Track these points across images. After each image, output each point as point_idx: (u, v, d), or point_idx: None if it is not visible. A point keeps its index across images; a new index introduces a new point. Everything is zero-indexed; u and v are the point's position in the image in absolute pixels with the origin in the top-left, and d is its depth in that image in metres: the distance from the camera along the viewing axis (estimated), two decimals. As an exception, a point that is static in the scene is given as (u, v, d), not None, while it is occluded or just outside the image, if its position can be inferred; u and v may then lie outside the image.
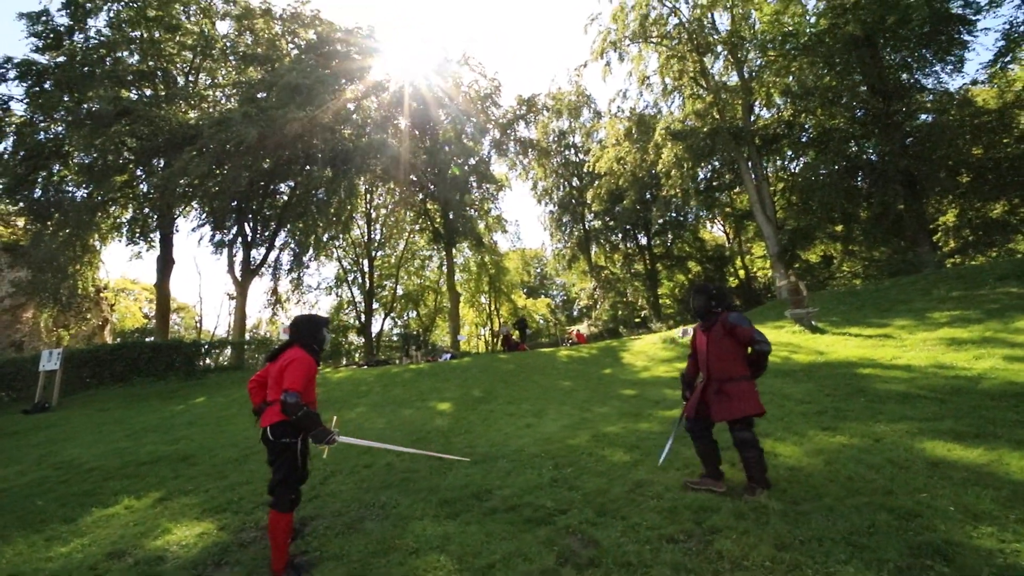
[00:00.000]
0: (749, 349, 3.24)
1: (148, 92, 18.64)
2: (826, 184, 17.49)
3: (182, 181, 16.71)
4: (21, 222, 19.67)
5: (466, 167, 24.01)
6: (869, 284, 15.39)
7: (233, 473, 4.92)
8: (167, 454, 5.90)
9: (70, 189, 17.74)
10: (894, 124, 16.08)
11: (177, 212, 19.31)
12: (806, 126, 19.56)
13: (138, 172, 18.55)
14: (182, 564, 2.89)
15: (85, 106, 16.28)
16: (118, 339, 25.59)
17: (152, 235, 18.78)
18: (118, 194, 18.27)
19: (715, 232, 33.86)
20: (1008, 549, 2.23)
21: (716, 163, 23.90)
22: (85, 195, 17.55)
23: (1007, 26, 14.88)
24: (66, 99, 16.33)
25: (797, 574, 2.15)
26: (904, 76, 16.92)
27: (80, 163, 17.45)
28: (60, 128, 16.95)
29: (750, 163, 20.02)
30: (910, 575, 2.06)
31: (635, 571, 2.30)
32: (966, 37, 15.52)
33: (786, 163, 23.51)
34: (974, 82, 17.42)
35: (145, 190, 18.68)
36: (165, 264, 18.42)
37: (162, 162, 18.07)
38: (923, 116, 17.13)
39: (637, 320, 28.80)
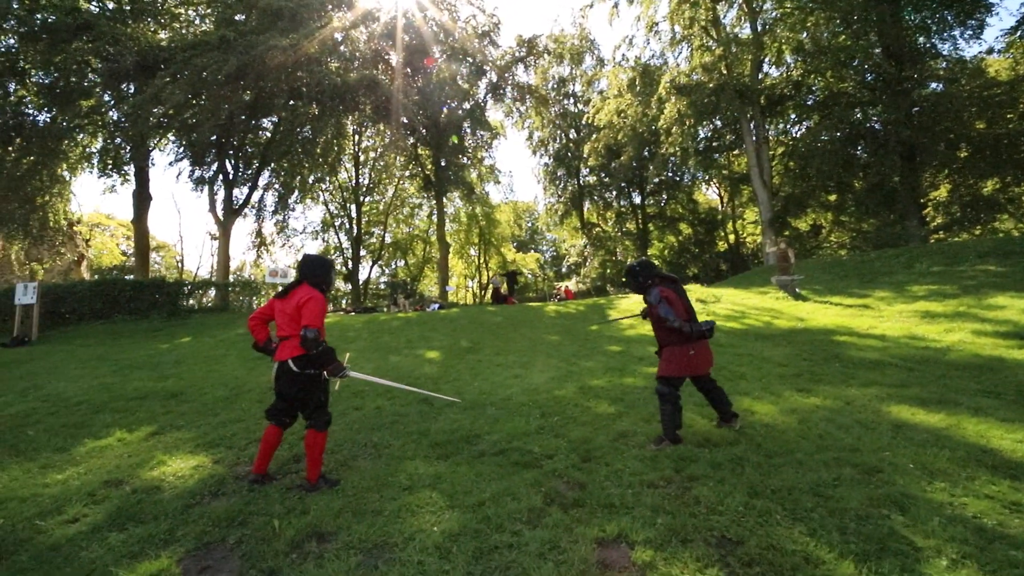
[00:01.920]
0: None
1: (111, 5, 16.89)
2: (826, 151, 17.28)
3: (156, 110, 15.60)
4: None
5: (460, 111, 22.90)
6: (855, 255, 15.67)
7: (224, 411, 4.99)
8: (156, 390, 5.94)
9: (31, 112, 16.43)
10: (903, 91, 15.68)
11: (152, 144, 18.20)
12: (814, 88, 18.97)
13: (106, 97, 17.21)
14: (179, 493, 2.98)
15: (39, 16, 14.72)
16: (95, 276, 24.92)
17: (126, 168, 17.75)
18: (85, 120, 17.04)
19: (709, 195, 33.63)
20: (957, 502, 2.43)
21: (718, 122, 23.28)
22: (48, 119, 16.34)
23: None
24: (15, 5, 14.69)
25: (767, 519, 2.31)
26: (921, 40, 16.30)
27: (39, 83, 16.08)
28: (12, 41, 15.38)
29: (753, 124, 19.53)
30: (868, 524, 2.23)
31: (617, 512, 2.45)
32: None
33: (788, 127, 23.01)
34: (990, 51, 16.92)
35: (115, 118, 17.43)
36: (142, 199, 17.61)
37: (132, 87, 16.76)
38: (933, 85, 16.72)
39: (624, 280, 29.11)
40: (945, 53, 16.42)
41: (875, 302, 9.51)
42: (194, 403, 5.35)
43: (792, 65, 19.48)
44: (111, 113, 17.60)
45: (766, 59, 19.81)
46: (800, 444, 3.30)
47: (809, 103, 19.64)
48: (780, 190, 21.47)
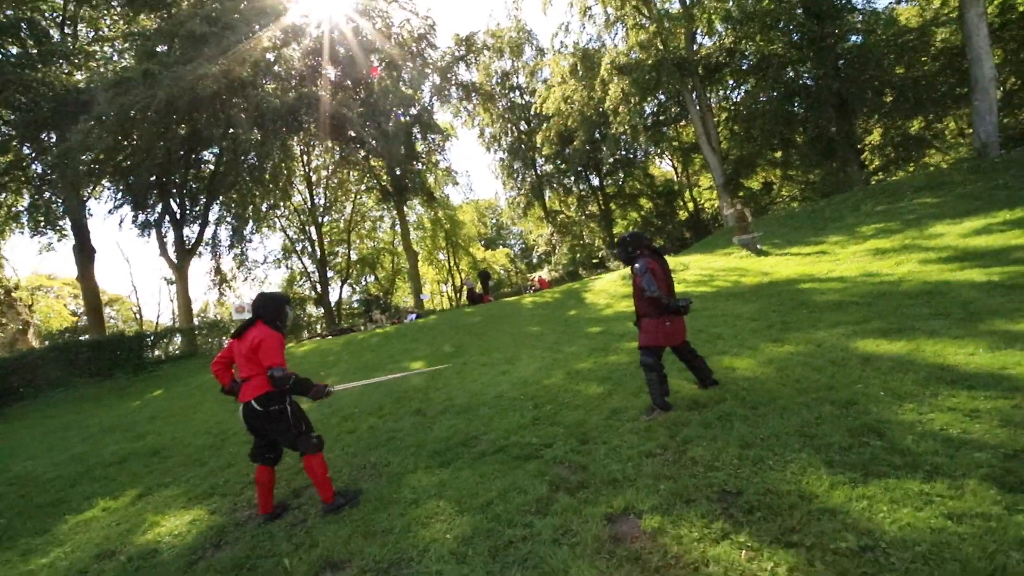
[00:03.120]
0: None
1: (15, 50, 15.72)
2: (766, 111, 18.01)
3: (84, 157, 14.70)
4: None
5: (407, 117, 22.58)
6: (806, 206, 16.44)
7: (212, 459, 4.81)
8: (134, 451, 5.65)
9: (-61, 175, 15.20)
10: (827, 47, 16.50)
11: (86, 194, 17.15)
12: (746, 53, 19.70)
13: (25, 150, 16.07)
14: (179, 552, 2.87)
15: (-67, 70, 13.60)
16: (46, 342, 23.34)
17: (60, 223, 16.67)
18: (6, 177, 15.87)
19: (664, 167, 34.48)
20: (925, 419, 2.63)
21: (662, 97, 23.85)
22: (-39, 182, 15.16)
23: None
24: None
25: (760, 466, 2.44)
26: (836, -2, 17.17)
27: (-55, 143, 14.87)
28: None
29: (695, 94, 20.11)
30: (851, 453, 2.39)
31: (621, 486, 2.52)
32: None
33: (728, 92, 23.84)
34: (899, 0, 18.01)
35: (40, 171, 16.31)
36: (84, 254, 16.57)
37: (53, 136, 15.71)
38: (853, 38, 17.66)
39: (595, 261, 29.55)
40: (860, 7, 17.39)
41: (830, 247, 10.03)
42: (178, 457, 5.13)
43: (723, 33, 20.14)
44: (34, 166, 16.46)
45: (698, 30, 20.41)
46: (781, 391, 3.48)
47: (744, 68, 20.40)
48: (729, 154, 22.25)
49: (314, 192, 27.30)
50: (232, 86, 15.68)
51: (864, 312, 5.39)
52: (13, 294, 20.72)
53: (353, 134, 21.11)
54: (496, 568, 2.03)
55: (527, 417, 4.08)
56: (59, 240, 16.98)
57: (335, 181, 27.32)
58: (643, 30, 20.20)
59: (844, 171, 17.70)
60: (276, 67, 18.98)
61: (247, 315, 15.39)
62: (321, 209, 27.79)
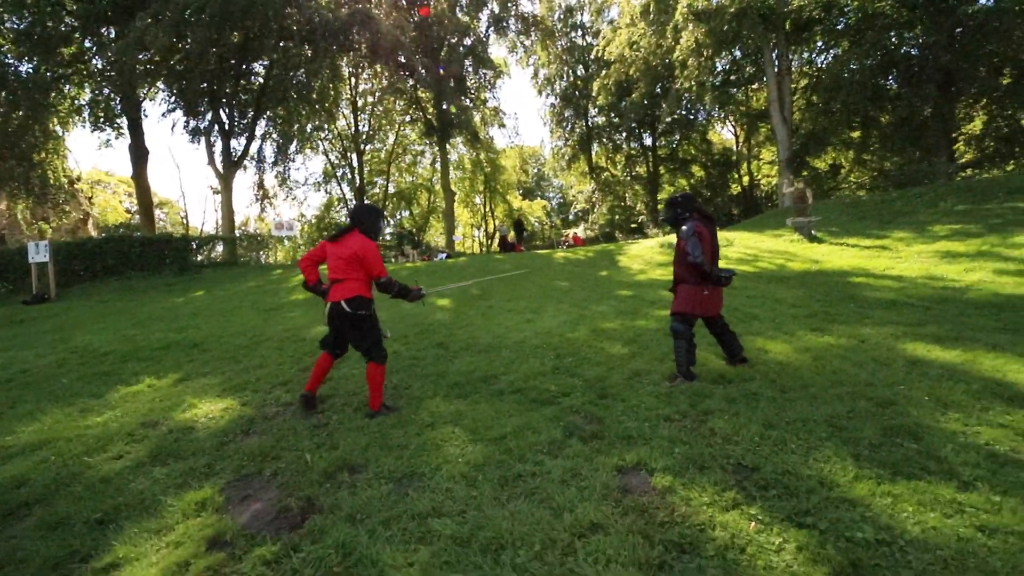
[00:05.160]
0: None
1: (77, -61, 15.52)
2: (854, 81, 16.10)
3: (140, 56, 14.80)
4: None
5: (461, 48, 21.47)
6: (875, 195, 15.09)
7: (246, 358, 5.14)
8: (177, 340, 6.11)
9: (11, 62, 15.68)
10: (947, 9, 14.24)
11: (142, 94, 17.46)
12: (846, 9, 17.32)
13: (87, 44, 16.31)
14: (212, 432, 3.13)
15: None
16: (103, 233, 25.02)
17: (119, 120, 17.19)
18: (69, 70, 16.27)
19: (724, 135, 32.05)
20: (970, 431, 2.47)
21: (737, 53, 21.62)
22: (31, 70, 15.62)
23: None
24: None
25: (781, 448, 2.38)
26: (971, -53, 14.59)
27: (15, 29, 15.20)
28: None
29: (775, 53, 18.11)
30: (881, 451, 2.28)
31: (635, 443, 2.53)
32: None
33: (814, 56, 21.33)
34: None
35: (100, 66, 16.61)
36: (138, 153, 17.17)
37: (112, 31, 15.81)
38: (981, 0, 15.16)
39: (634, 226, 28.60)
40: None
41: (893, 243, 9.27)
42: (215, 351, 5.51)
43: (823, -17, 17.69)
44: (95, 61, 16.76)
45: (794, -23, 17.97)
46: (814, 380, 3.33)
47: (839, 27, 18.04)
48: (800, 127, 20.33)
49: (359, 118, 26.96)
50: (286, -7, 15.15)
51: (919, 315, 5.02)
52: (75, 185, 21.97)
53: (403, 60, 20.33)
54: (504, 496, 2.10)
55: (548, 365, 4.11)
56: (117, 138, 17.62)
57: (380, 109, 26.77)
58: (731, -29, 17.96)
59: (929, 160, 15.94)
60: (332, -23, 18.09)
61: (286, 232, 15.87)
62: (364, 137, 27.54)
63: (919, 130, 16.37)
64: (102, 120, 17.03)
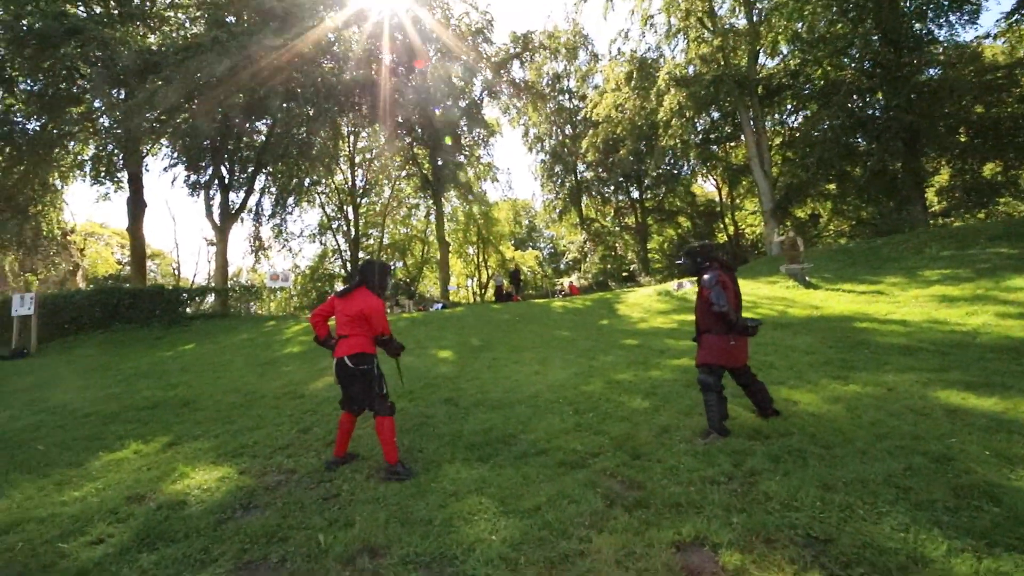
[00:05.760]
0: None
1: (98, 9, 16.55)
2: (826, 139, 17.19)
3: (148, 115, 15.30)
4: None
5: (455, 110, 22.68)
6: (862, 243, 15.60)
7: (241, 418, 4.80)
8: (166, 399, 5.73)
9: (19, 120, 16.07)
10: (903, 77, 15.61)
11: (145, 150, 17.87)
12: (812, 77, 18.89)
13: (96, 104, 16.87)
14: (208, 508, 2.80)
15: (25, 22, 14.38)
16: (91, 285, 24.53)
17: (119, 175, 17.41)
18: (76, 128, 16.70)
19: (707, 187, 33.57)
20: (1045, 491, 2.29)
21: (715, 114, 23.19)
22: (38, 127, 15.99)
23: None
24: (0, 12, 14.34)
25: (849, 514, 2.17)
26: (918, 26, 16.25)
27: (28, 90, 15.73)
28: (-1, 48, 15.04)
29: (751, 114, 19.43)
30: (962, 516, 2.09)
31: (686, 512, 2.30)
32: (987, -16, 14.77)
33: (784, 117, 22.94)
34: (986, 35, 16.91)
35: (107, 124, 17.09)
36: (136, 206, 17.26)
37: (122, 93, 16.44)
38: (931, 71, 16.68)
39: (625, 274, 29.01)
40: (942, 39, 16.39)
41: (888, 288, 9.42)
42: (207, 411, 5.15)
43: (789, 55, 19.40)
44: (102, 120, 17.25)
45: (762, 49, 19.72)
46: (856, 433, 3.16)
47: (807, 92, 19.57)
48: (779, 180, 21.41)
49: (356, 173, 27.79)
50: (292, 60, 16.05)
51: (939, 360, 4.94)
52: (68, 237, 21.82)
53: (401, 120, 21.35)
54: (553, 582, 1.84)
55: (568, 422, 3.87)
56: (115, 191, 17.74)
57: (377, 164, 27.73)
58: (705, 44, 19.66)
59: (905, 210, 16.71)
60: (335, 47, 19.36)
61: (280, 284, 15.69)
62: (360, 190, 28.25)
63: (891, 182, 17.31)
64: (103, 174, 17.23)
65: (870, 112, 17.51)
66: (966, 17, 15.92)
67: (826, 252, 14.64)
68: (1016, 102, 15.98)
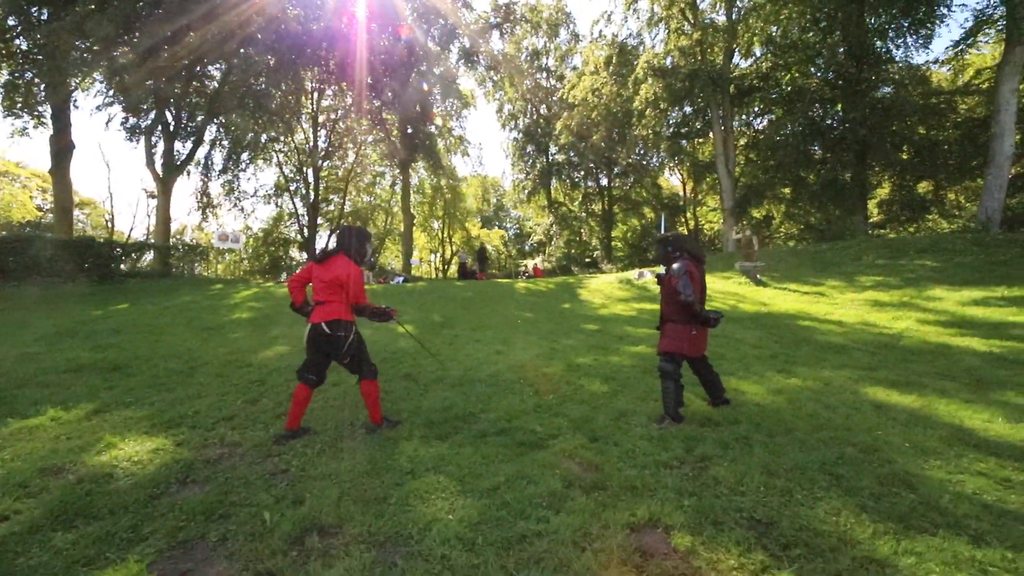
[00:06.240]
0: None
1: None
2: (787, 144, 17.99)
3: (78, 43, 13.51)
4: None
5: (431, 76, 21.72)
6: (808, 246, 16.61)
7: (180, 386, 4.47)
8: (93, 362, 5.24)
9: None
10: (861, 92, 16.49)
11: (73, 83, 15.83)
12: (781, 82, 19.58)
13: (10, 21, 14.67)
14: (138, 482, 2.58)
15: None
16: (3, 232, 21.90)
17: (40, 108, 15.38)
18: (-16, 45, 14.50)
19: (672, 181, 34.46)
20: (955, 479, 2.54)
21: (688, 109, 23.64)
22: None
23: (981, 4, 15.23)
24: None
25: (788, 499, 2.31)
26: (879, 43, 17.11)
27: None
28: None
29: (721, 112, 19.95)
30: (884, 502, 2.27)
31: (640, 494, 2.36)
32: (943, 10, 15.71)
33: (751, 119, 23.76)
34: (935, 60, 18.13)
35: (23, 47, 14.94)
36: (61, 147, 15.37)
37: (45, 12, 14.39)
38: (885, 88, 17.72)
39: (588, 260, 29.50)
40: (898, 59, 17.40)
41: (828, 290, 10.12)
42: (142, 377, 4.76)
43: (761, 57, 19.96)
44: (18, 41, 15.06)
45: (737, 49, 20.16)
46: (796, 423, 3.37)
47: (774, 96, 20.30)
48: (740, 180, 22.29)
49: (318, 133, 26.17)
50: (255, 2, 14.65)
51: (868, 359, 5.38)
52: (-25, 174, 19.23)
53: (372, 80, 20.18)
54: (510, 563, 1.83)
55: (528, 403, 3.89)
56: (35, 127, 15.67)
57: (343, 126, 26.21)
58: (685, 36, 19.83)
59: (849, 219, 17.92)
60: (304, -8, 17.82)
61: (230, 244, 14.68)
62: (323, 152, 26.67)
63: (840, 191, 18.47)
64: (19, 106, 15.14)
65: (828, 122, 18.45)
66: (920, 41, 16.93)
67: (776, 253, 15.48)
68: (953, 127, 17.36)
